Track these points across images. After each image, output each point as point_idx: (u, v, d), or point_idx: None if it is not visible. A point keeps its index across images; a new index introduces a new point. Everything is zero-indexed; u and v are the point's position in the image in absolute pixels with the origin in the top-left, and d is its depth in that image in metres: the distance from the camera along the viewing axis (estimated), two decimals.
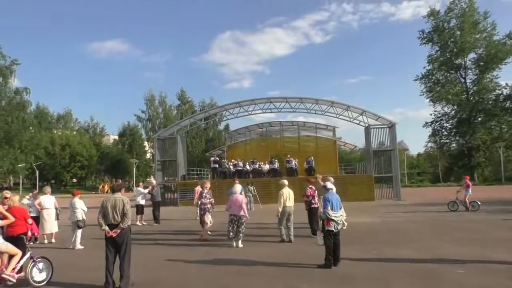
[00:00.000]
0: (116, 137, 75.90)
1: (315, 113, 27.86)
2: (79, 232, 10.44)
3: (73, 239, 10.39)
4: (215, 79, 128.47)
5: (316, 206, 10.92)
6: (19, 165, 44.10)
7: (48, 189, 11.97)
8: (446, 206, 17.31)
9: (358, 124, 26.97)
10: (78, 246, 10.29)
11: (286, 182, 10.57)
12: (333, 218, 7.36)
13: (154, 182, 17.77)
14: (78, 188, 66.99)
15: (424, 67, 54.13)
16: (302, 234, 10.84)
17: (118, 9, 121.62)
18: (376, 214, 16.52)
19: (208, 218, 11.05)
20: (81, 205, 10.62)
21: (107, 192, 60.43)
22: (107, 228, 6.35)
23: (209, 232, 11.21)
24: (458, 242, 9.58)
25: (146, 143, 70.96)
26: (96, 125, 78.64)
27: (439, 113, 54.23)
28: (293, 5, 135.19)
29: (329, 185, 7.93)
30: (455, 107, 52.22)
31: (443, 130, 54.40)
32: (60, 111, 75.63)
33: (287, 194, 10.26)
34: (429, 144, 61.50)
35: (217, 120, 42.38)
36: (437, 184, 46.93)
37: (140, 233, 12.72)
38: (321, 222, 7.68)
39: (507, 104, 49.80)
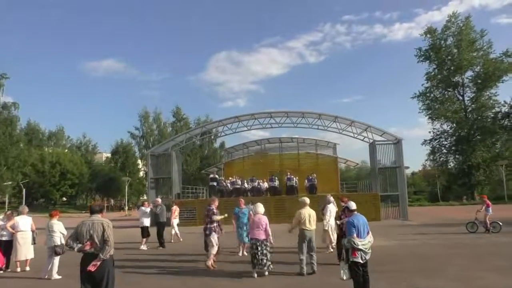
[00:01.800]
0: (109, 155, 74.22)
1: (317, 128, 26.74)
2: (57, 259, 8.95)
3: (49, 267, 8.90)
4: (211, 98, 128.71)
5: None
6: (5, 183, 42.22)
7: (24, 209, 10.42)
8: (460, 226, 16.11)
9: (363, 140, 25.83)
10: (55, 276, 8.79)
11: (307, 200, 9.12)
12: (360, 247, 6.01)
13: (159, 200, 16.04)
14: (68, 207, 65.83)
15: (422, 84, 53.76)
16: (327, 262, 9.49)
17: (115, 29, 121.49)
18: (390, 236, 15.15)
19: (215, 240, 9.58)
20: (59, 228, 9.15)
21: None
22: (78, 246, 5.05)
23: (214, 259, 9.78)
24: (501, 271, 8.23)
25: (139, 161, 69.31)
26: (89, 142, 77.08)
27: (438, 131, 53.51)
28: (287, 26, 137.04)
29: (353, 205, 6.62)
30: (454, 124, 51.53)
31: (443, 148, 53.49)
32: (53, 128, 74.09)
33: (307, 215, 8.79)
34: (427, 162, 60.81)
35: (212, 137, 41.12)
36: (438, 203, 45.51)
37: (139, 259, 11.30)
38: (345, 251, 6.33)
39: (505, 122, 49.13)
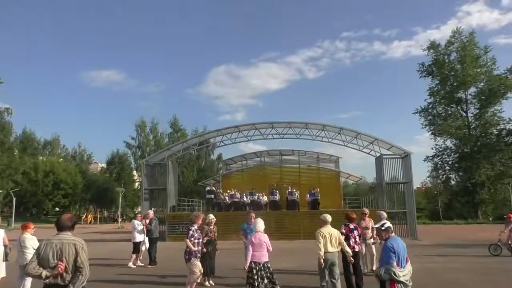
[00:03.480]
0: (105, 165, 72.82)
1: (321, 140, 25.52)
2: (29, 281, 7.62)
3: None
4: (209, 111, 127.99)
5: (355, 250, 8.29)
6: None
7: None
8: (478, 248, 14.88)
9: (368, 153, 24.63)
10: None
11: (329, 218, 7.83)
12: (401, 279, 4.72)
13: (151, 213, 14.16)
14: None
15: (425, 100, 52.84)
16: None
17: (116, 40, 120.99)
18: None
19: (196, 266, 8.25)
20: (33, 244, 7.81)
21: (90, 222, 56.89)
22: (45, 273, 3.78)
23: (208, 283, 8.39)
24: None
25: (134, 172, 67.91)
26: (84, 152, 75.74)
27: (441, 147, 52.46)
28: (287, 41, 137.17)
29: (389, 225, 5.34)
30: (457, 141, 50.54)
31: (445, 165, 52.36)
32: (48, 137, 72.82)
33: (327, 235, 7.51)
34: (428, 179, 59.76)
35: (210, 148, 39.81)
36: (443, 222, 44.17)
37: (124, 281, 9.95)
38: (379, 282, 5.05)
39: (510, 140, 48.15)
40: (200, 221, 8.72)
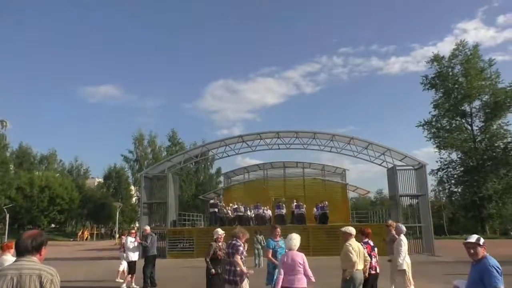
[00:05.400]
0: (102, 179, 71.37)
1: (330, 151, 24.32)
2: None
3: None
4: (206, 125, 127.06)
5: (373, 272, 7.05)
6: None
7: None
8: (506, 266, 13.36)
9: (380, 164, 23.41)
10: None
11: (353, 230, 6.60)
12: None
13: (148, 229, 12.60)
14: (57, 234, 62.41)
15: (429, 112, 51.87)
16: None
17: (113, 55, 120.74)
18: (434, 276, 12.46)
19: None
20: None
21: (86, 239, 55.16)
22: None
23: None
24: None
25: (132, 187, 66.43)
26: (80, 166, 74.29)
27: (446, 161, 51.28)
28: (285, 56, 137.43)
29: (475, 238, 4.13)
30: (462, 155, 49.42)
31: (451, 179, 51.09)
32: (45, 152, 71.46)
33: (357, 250, 6.31)
34: (432, 193, 58.49)
35: (210, 159, 38.58)
36: (451, 237, 42.66)
37: None
38: None
39: None
40: (244, 239, 7.26)
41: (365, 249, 6.85)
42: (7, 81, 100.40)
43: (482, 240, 4.03)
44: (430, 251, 20.55)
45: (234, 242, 6.92)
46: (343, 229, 6.65)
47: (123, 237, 13.76)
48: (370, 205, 71.03)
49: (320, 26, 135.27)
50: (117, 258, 12.42)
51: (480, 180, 46.34)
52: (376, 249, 7.45)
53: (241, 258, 6.73)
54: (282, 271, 5.69)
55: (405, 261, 8.79)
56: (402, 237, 8.98)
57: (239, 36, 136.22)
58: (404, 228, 9.27)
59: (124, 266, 12.74)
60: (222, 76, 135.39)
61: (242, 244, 6.94)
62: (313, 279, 5.71)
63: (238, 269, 6.63)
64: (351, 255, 6.16)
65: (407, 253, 8.88)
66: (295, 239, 6.01)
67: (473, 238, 4.08)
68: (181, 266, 16.80)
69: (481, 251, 3.97)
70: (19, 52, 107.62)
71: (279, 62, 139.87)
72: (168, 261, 19.39)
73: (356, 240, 6.64)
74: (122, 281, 12.49)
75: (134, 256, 11.71)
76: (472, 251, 4.03)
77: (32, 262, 2.79)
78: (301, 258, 5.77)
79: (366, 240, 7.22)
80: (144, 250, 11.76)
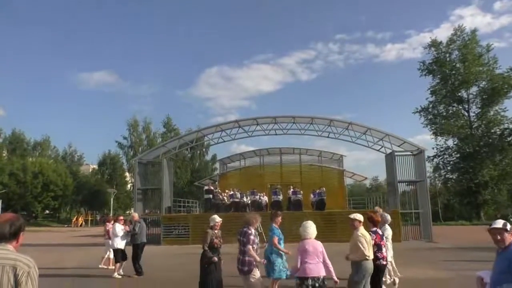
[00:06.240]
0: (96, 166, 70.85)
1: (328, 136, 23.94)
2: None
3: None
4: (201, 112, 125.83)
5: (384, 263, 6.62)
6: None
7: None
8: None
9: (378, 150, 23.08)
10: None
11: (362, 217, 6.19)
12: None
13: (136, 216, 12.03)
14: (51, 220, 62.12)
15: (426, 99, 51.51)
16: None
17: (107, 41, 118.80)
18: (434, 263, 12.16)
19: (257, 279, 6.48)
20: None
21: (81, 225, 54.83)
22: None
23: None
24: None
25: (127, 174, 65.98)
26: (74, 153, 73.56)
27: (442, 147, 51.14)
28: (280, 43, 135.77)
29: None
30: (459, 141, 49.27)
31: (447, 165, 51.04)
32: (38, 138, 70.66)
33: (368, 239, 5.94)
34: (428, 180, 58.41)
35: (205, 147, 38.11)
36: (447, 223, 42.70)
37: None
38: None
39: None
40: (256, 224, 6.93)
41: (375, 239, 6.49)
42: None
43: (509, 226, 3.61)
44: (428, 237, 20.36)
45: (245, 229, 6.63)
46: (352, 216, 6.22)
47: (107, 223, 13.42)
48: (366, 192, 71.04)
49: (316, 12, 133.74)
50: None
51: (476, 167, 46.32)
52: (385, 239, 7.08)
53: (253, 247, 6.48)
54: (300, 259, 5.39)
55: (389, 251, 8.39)
56: (387, 227, 8.59)
57: (234, 23, 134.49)
58: (389, 218, 8.84)
59: (111, 252, 12.44)
60: (216, 63, 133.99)
61: (253, 232, 6.63)
62: (329, 262, 5.46)
63: (246, 258, 6.37)
64: (360, 245, 5.78)
65: (365, 250, 8.40)
66: (313, 226, 5.72)
67: (499, 223, 3.65)
68: (177, 252, 16.47)
69: (509, 237, 3.56)
70: (11, 37, 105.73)
71: (275, 48, 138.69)
72: (163, 248, 19.08)
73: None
74: (105, 267, 12.21)
75: (121, 244, 11.29)
76: (498, 237, 3.60)
77: (6, 250, 2.39)
78: (321, 246, 5.55)
79: (374, 229, 6.74)
80: (132, 238, 11.30)
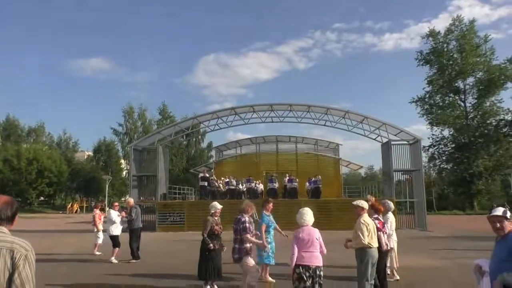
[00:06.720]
0: (91, 153, 70.55)
1: (324, 125, 23.86)
2: None
3: None
4: (198, 100, 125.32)
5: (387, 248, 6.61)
6: None
7: None
8: None
9: (374, 139, 23.09)
10: None
11: (365, 204, 6.11)
12: None
13: (131, 201, 12.10)
14: (46, 207, 62.01)
15: (423, 88, 51.48)
16: None
17: (102, 28, 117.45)
18: (430, 252, 12.21)
19: (250, 263, 6.45)
20: None
21: (76, 211, 54.81)
22: None
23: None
24: None
25: (122, 160, 65.76)
26: (69, 139, 73.09)
27: (437, 137, 51.30)
28: (277, 31, 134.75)
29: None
30: (454, 132, 49.40)
31: (443, 156, 51.24)
32: (33, 124, 70.10)
33: (372, 227, 5.86)
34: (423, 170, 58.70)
35: (201, 134, 37.93)
36: (442, 212, 43.01)
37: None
38: None
39: (508, 131, 47.07)
40: (251, 211, 6.88)
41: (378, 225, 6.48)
42: None
43: (509, 213, 3.56)
44: (423, 226, 20.49)
45: (239, 217, 6.56)
46: (355, 202, 6.14)
47: (95, 210, 13.43)
48: (361, 181, 71.40)
49: (314, 0, 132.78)
50: (104, 231, 12.02)
51: (471, 157, 46.57)
52: (386, 225, 7.14)
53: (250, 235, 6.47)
54: (296, 248, 5.28)
55: (392, 238, 8.40)
56: (390, 214, 8.59)
57: (231, 10, 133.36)
58: (392, 205, 8.81)
59: (101, 239, 12.66)
60: (213, 50, 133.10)
61: (248, 219, 6.57)
62: (324, 250, 5.35)
63: (237, 246, 6.37)
64: (360, 233, 5.67)
65: (394, 232, 8.49)
66: (310, 213, 5.53)
67: (499, 211, 3.60)
68: (172, 239, 16.48)
69: (508, 225, 3.51)
70: (5, 22, 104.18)
71: (272, 36, 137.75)
72: (158, 234, 19.07)
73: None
74: (100, 253, 12.24)
75: (117, 230, 11.31)
76: (498, 225, 3.55)
77: (3, 233, 2.33)
78: (317, 234, 5.37)
79: (376, 216, 6.76)
80: (129, 223, 11.32)
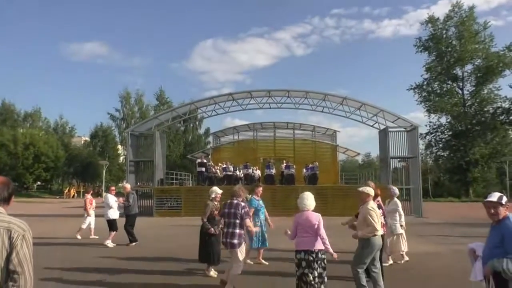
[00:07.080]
0: (88, 138, 70.37)
1: (322, 111, 23.81)
2: None
3: None
4: (195, 86, 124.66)
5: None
6: None
7: None
8: None
9: (372, 126, 23.08)
10: None
11: (372, 191, 5.90)
12: None
13: (128, 187, 12.14)
14: (43, 191, 62.07)
15: (421, 75, 51.37)
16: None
17: (99, 12, 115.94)
18: (427, 238, 12.31)
19: (243, 253, 6.40)
20: None
21: (73, 196, 54.87)
22: None
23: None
24: None
25: (119, 146, 65.65)
26: (66, 124, 72.73)
27: (435, 125, 51.35)
28: (276, 17, 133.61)
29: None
30: (452, 119, 49.43)
31: (439, 143, 51.38)
32: (29, 109, 69.69)
33: (379, 213, 5.80)
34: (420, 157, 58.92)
35: (198, 120, 37.83)
36: (438, 199, 43.29)
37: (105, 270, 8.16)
38: (493, 278, 3.39)
39: (505, 119, 47.11)
40: (244, 195, 6.81)
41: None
42: None
43: (504, 199, 3.57)
44: (418, 213, 20.62)
45: (236, 202, 6.38)
46: (361, 189, 5.93)
47: (86, 195, 13.50)
48: (358, 168, 71.67)
49: None
50: (101, 216, 12.05)
51: (467, 145, 46.70)
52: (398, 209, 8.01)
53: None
54: (294, 232, 5.29)
55: (402, 224, 8.50)
56: (396, 200, 8.64)
57: None
58: (397, 191, 8.89)
59: (88, 223, 12.85)
60: (211, 35, 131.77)
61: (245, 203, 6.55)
62: (324, 236, 5.23)
63: (237, 231, 6.17)
64: (371, 219, 5.48)
65: (403, 217, 8.57)
66: (310, 198, 5.45)
67: (494, 196, 3.60)
68: (170, 224, 16.54)
69: (503, 211, 3.52)
70: (0, 7, 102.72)
71: (270, 22, 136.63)
72: (156, 219, 19.15)
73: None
74: (97, 237, 12.34)
75: (114, 215, 11.40)
76: (492, 211, 3.56)
77: (0, 213, 2.34)
78: (317, 219, 5.27)
79: (378, 202, 6.77)
80: (126, 209, 11.37)
